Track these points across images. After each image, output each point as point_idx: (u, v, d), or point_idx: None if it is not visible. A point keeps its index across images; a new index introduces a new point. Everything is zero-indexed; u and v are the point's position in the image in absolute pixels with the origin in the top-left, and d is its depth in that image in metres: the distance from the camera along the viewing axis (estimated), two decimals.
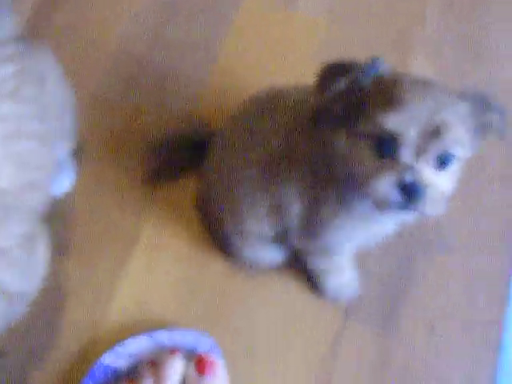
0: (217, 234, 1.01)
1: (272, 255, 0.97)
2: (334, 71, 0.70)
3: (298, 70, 1.17)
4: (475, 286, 1.03)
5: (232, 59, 1.20)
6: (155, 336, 0.93)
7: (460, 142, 0.67)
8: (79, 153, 1.05)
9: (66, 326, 0.97)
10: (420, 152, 0.66)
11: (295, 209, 0.82)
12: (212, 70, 1.18)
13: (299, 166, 0.79)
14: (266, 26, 1.23)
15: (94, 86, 1.15)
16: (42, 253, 0.83)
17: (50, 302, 0.97)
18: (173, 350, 0.90)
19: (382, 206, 0.69)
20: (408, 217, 0.75)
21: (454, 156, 0.68)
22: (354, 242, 0.87)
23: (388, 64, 0.70)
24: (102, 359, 0.91)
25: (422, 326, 1.00)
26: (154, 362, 0.89)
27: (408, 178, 0.66)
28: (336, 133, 0.72)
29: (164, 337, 0.93)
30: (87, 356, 0.95)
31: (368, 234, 0.84)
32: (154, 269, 1.02)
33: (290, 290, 1.01)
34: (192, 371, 0.88)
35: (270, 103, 0.86)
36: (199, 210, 1.05)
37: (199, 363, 0.88)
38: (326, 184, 0.77)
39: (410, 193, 0.66)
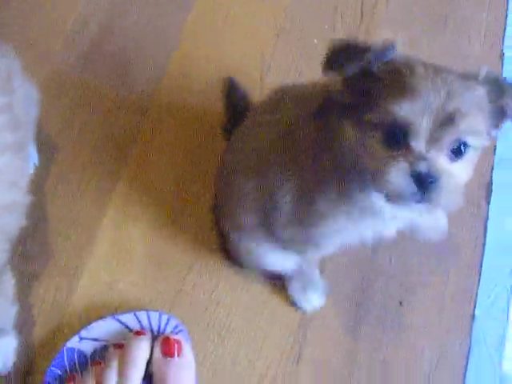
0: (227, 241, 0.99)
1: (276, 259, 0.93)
2: (344, 51, 0.67)
3: (261, 51, 1.16)
4: (446, 261, 1.03)
5: (193, 41, 1.18)
6: (121, 318, 0.92)
7: (475, 130, 0.64)
8: (39, 137, 1.04)
9: (32, 312, 0.95)
10: (433, 141, 0.63)
11: (289, 196, 0.79)
12: (173, 51, 1.16)
13: (300, 153, 0.76)
14: (227, 8, 1.21)
15: (50, 68, 1.12)
16: (9, 286, 0.83)
17: (15, 286, 0.96)
18: (138, 332, 0.89)
19: (395, 198, 0.66)
20: (418, 212, 0.70)
21: (469, 145, 0.65)
22: (343, 239, 0.84)
23: (400, 48, 0.67)
24: (68, 344, 0.90)
25: (391, 301, 1.00)
26: (121, 345, 0.88)
27: (421, 167, 0.63)
28: (343, 122, 0.70)
29: (130, 319, 0.92)
30: (54, 341, 0.94)
31: (361, 232, 0.81)
32: (119, 250, 1.00)
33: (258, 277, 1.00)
34: (158, 353, 0.87)
35: (278, 98, 0.85)
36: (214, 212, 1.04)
37: (165, 344, 0.87)
38: (328, 173, 0.74)
39: (424, 183, 0.63)
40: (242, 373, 0.94)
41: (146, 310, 0.93)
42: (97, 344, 0.91)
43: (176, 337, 0.88)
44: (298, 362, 0.95)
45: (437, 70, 0.65)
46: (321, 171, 0.75)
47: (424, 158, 0.63)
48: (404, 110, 0.62)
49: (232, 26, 1.19)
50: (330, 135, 0.73)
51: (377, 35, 1.20)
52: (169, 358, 0.86)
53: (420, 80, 0.63)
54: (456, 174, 0.65)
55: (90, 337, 0.91)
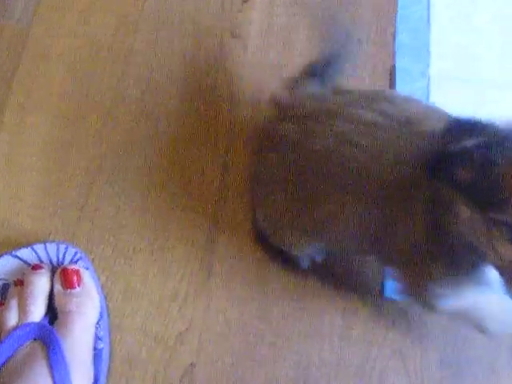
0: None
1: None
2: (463, 128, 0.58)
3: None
4: None
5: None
6: (18, 254, 0.87)
7: None
8: None
9: None
10: None
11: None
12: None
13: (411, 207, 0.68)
14: None
15: None
16: None
17: None
18: (36, 266, 0.85)
19: None
20: None
21: None
22: None
23: None
24: None
25: None
26: (22, 281, 0.85)
27: None
28: (457, 199, 0.61)
29: (27, 253, 0.88)
30: None
31: None
32: (14, 182, 0.96)
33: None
34: (58, 285, 0.84)
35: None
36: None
37: (63, 276, 0.84)
38: (439, 243, 0.67)
39: None
40: (153, 292, 0.91)
41: (44, 242, 0.89)
42: None
43: (74, 266, 0.85)
44: (208, 276, 0.92)
45: None
46: (431, 237, 0.67)
47: None
48: None
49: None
50: (440, 204, 0.65)
51: None
52: (69, 290, 0.84)
53: None
54: None
55: None
